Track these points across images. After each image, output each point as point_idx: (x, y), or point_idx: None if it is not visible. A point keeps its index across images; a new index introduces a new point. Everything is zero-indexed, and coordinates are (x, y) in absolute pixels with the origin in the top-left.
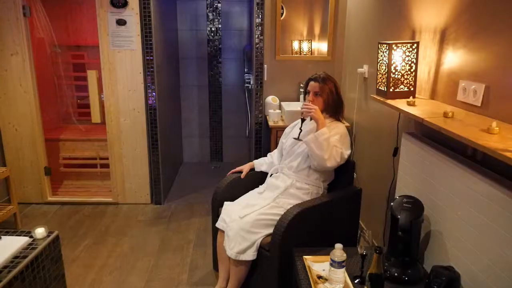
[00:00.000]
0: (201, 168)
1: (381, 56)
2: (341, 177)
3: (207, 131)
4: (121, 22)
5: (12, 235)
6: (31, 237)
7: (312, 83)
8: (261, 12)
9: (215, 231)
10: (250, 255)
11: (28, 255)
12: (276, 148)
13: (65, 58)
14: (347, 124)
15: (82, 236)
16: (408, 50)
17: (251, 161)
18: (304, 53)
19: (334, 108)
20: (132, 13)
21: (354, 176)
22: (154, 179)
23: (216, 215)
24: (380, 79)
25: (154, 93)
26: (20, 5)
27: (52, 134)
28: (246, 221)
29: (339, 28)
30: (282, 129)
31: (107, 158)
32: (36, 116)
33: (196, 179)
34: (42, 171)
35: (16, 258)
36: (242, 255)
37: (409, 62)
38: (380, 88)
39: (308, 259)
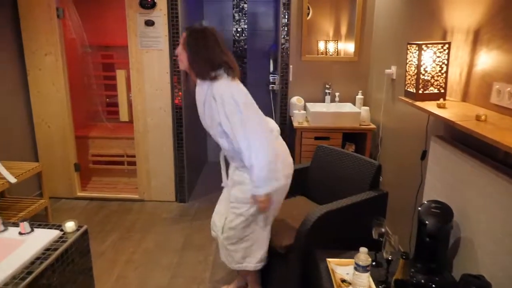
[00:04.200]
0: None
1: (410, 57)
2: (366, 180)
3: None
4: (149, 23)
5: (44, 228)
6: (61, 230)
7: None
8: (287, 12)
9: None
10: (251, 266)
11: (59, 248)
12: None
13: (95, 58)
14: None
15: (108, 231)
16: (439, 50)
17: None
18: (330, 54)
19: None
20: (160, 14)
21: (380, 179)
22: (179, 177)
23: None
24: (409, 81)
25: (180, 93)
26: (54, 7)
27: (81, 132)
28: (224, 238)
29: (367, 28)
30: (307, 130)
31: (134, 156)
32: (67, 114)
33: (220, 178)
34: (72, 167)
35: (48, 250)
36: (242, 265)
37: (440, 63)
38: (408, 89)
39: (332, 262)
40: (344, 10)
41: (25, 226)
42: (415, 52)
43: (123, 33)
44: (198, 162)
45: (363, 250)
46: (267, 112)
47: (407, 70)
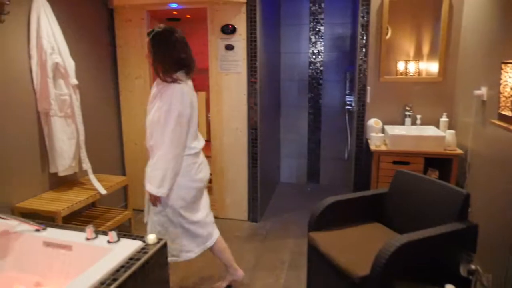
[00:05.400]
0: (297, 189)
1: (505, 77)
2: (453, 210)
3: (304, 152)
4: (229, 47)
5: (129, 238)
6: (144, 242)
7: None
8: (365, 33)
9: (310, 254)
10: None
11: (141, 258)
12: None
13: None
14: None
15: None
16: None
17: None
18: (411, 74)
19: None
20: (239, 39)
21: (469, 210)
22: (252, 196)
23: (311, 239)
24: (503, 103)
25: (256, 114)
26: (146, 35)
27: None
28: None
29: (452, 46)
30: (385, 153)
31: (210, 174)
32: None
33: (292, 200)
34: None
35: (131, 259)
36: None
37: None
38: (503, 112)
39: None
40: (426, 28)
41: (113, 235)
42: (511, 72)
43: (205, 57)
44: (271, 183)
45: (450, 287)
46: (342, 134)
47: (501, 91)
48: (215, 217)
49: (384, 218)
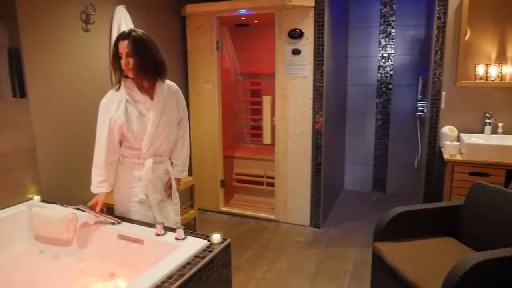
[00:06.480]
0: (362, 197)
1: None
2: None
3: (370, 159)
4: (296, 52)
5: (195, 237)
6: (208, 241)
7: (122, 42)
8: (441, 35)
9: (375, 264)
10: None
11: (206, 257)
12: None
13: (245, 85)
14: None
15: (245, 247)
16: None
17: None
18: (492, 79)
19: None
20: (306, 43)
21: None
22: (315, 202)
23: (377, 249)
24: None
25: (321, 119)
26: (215, 40)
27: (228, 151)
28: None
29: None
30: (460, 163)
31: (273, 177)
32: (218, 135)
33: (356, 207)
34: (219, 183)
35: (196, 257)
36: None
37: None
38: None
39: None
40: (511, 28)
41: (181, 232)
42: None
43: (271, 62)
44: (335, 189)
45: None
46: (412, 141)
47: None
48: (277, 221)
49: (458, 232)
